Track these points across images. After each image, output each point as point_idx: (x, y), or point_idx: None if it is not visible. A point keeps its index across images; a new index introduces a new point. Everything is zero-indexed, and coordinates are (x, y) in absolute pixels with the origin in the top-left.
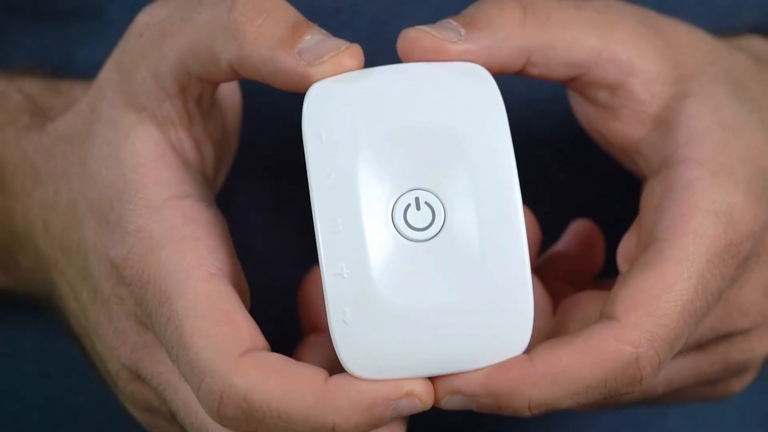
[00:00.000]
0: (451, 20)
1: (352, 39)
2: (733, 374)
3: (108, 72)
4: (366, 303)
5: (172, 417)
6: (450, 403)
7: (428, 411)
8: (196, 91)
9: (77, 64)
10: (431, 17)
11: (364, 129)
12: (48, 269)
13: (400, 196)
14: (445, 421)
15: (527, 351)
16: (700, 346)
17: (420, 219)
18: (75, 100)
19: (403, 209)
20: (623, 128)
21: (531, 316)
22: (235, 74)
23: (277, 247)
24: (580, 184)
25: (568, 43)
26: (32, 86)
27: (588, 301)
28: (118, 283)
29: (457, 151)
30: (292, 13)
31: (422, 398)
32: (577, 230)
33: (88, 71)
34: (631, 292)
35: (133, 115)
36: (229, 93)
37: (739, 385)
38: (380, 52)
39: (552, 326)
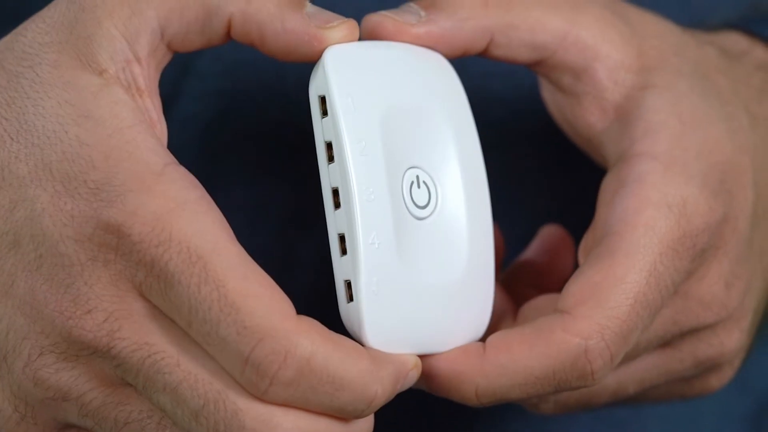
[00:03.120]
0: (412, 3)
1: None
2: (706, 370)
3: (45, 35)
4: (391, 275)
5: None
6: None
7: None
8: (161, 57)
9: None
10: None
11: (379, 101)
12: None
13: (406, 171)
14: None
15: (484, 336)
16: (666, 343)
17: (421, 197)
18: None
19: (409, 185)
20: (587, 116)
21: (491, 299)
22: (226, 35)
23: (256, 249)
24: (554, 186)
25: (532, 24)
26: None
27: (546, 302)
28: (102, 245)
29: (437, 134)
30: None
31: (419, 374)
32: (545, 236)
33: None
34: (582, 286)
35: (93, 77)
36: None
37: (717, 382)
38: None
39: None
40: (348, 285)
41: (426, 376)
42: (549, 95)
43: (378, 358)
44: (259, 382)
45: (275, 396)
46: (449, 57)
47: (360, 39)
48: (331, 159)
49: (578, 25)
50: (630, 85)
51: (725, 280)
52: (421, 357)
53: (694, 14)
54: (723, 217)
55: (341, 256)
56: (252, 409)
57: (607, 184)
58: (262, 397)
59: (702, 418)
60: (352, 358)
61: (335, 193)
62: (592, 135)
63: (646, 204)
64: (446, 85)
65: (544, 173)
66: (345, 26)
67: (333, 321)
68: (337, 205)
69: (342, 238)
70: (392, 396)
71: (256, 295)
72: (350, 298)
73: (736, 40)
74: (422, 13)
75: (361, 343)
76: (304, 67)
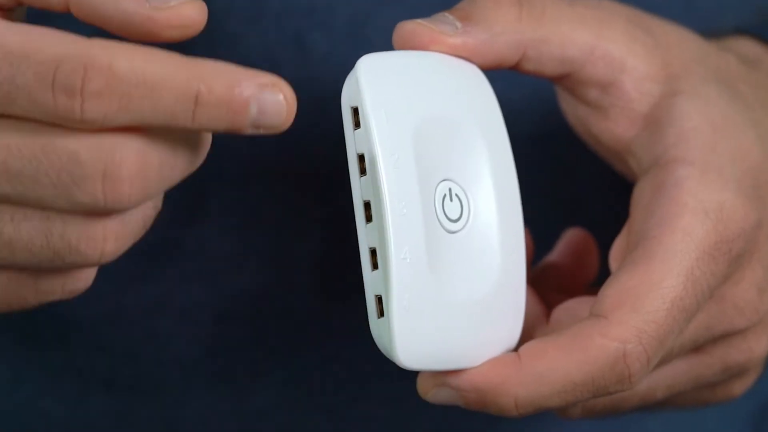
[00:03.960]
0: (446, 14)
1: (327, 39)
2: (732, 376)
3: None
4: (423, 290)
5: None
6: (438, 396)
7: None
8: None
9: None
10: (407, 18)
11: (412, 112)
12: None
13: (438, 184)
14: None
15: (516, 349)
16: (697, 348)
17: (453, 210)
18: None
19: (441, 199)
20: (614, 128)
21: (522, 312)
22: (66, 8)
23: (250, 250)
24: (556, 186)
25: (562, 38)
26: None
27: (579, 305)
28: None
29: (470, 146)
30: None
31: (288, 99)
32: (570, 239)
33: None
34: (619, 290)
35: None
36: None
37: (739, 388)
38: (356, 52)
39: (545, 334)
40: (379, 300)
41: (461, 390)
42: (569, 107)
43: (196, 60)
44: (72, 104)
45: (95, 114)
46: (481, 69)
47: (392, 46)
48: (363, 172)
49: (605, 39)
50: (658, 95)
51: (758, 286)
52: (455, 372)
53: (698, 21)
54: (757, 222)
55: (372, 270)
56: (84, 142)
57: (642, 190)
58: (83, 122)
59: (704, 419)
60: (159, 58)
61: (367, 206)
62: (620, 145)
63: (683, 209)
64: (481, 96)
65: (545, 173)
66: (176, 9)
67: (331, 324)
68: (368, 218)
69: (373, 252)
70: (232, 108)
71: (39, 37)
72: (381, 314)
73: (749, 47)
74: (458, 24)
75: (392, 359)
76: (300, 65)
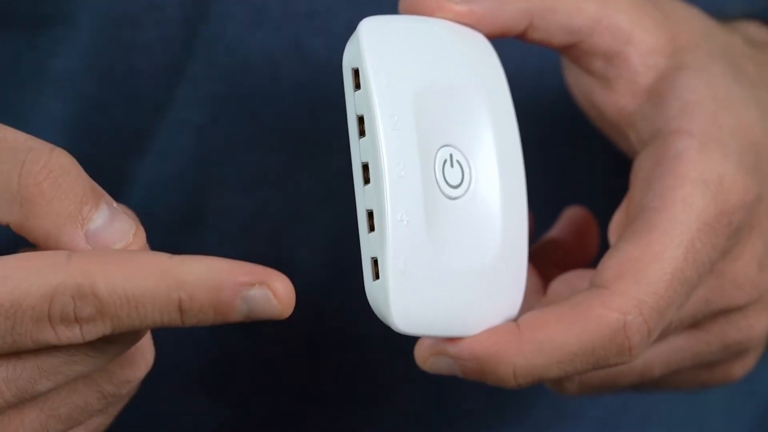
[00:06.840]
0: None
1: (326, 44)
2: (732, 355)
3: None
4: (420, 254)
5: None
6: (435, 365)
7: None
8: None
9: (48, 72)
10: None
11: (414, 76)
12: None
13: (438, 149)
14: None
15: (515, 319)
16: (696, 324)
17: (454, 176)
18: None
19: (442, 164)
20: (617, 99)
21: (524, 283)
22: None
23: (250, 257)
24: (551, 191)
25: (569, 7)
26: None
27: (577, 278)
28: None
29: (473, 113)
30: (82, 183)
31: (279, 295)
32: (570, 217)
33: (58, 79)
34: (619, 261)
35: None
36: None
37: (740, 369)
38: None
39: (542, 306)
40: (374, 262)
41: (459, 359)
42: (573, 79)
43: (183, 262)
44: (73, 332)
45: (95, 335)
46: (488, 38)
47: (398, 12)
48: (362, 133)
49: (612, 9)
50: (663, 68)
51: (758, 261)
52: (453, 340)
53: (706, 7)
54: (758, 196)
55: (369, 232)
56: None
57: (642, 162)
58: (88, 340)
59: (708, 420)
60: (138, 272)
61: (365, 168)
62: (622, 118)
63: (684, 180)
64: (485, 65)
65: (542, 176)
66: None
67: (330, 327)
68: (366, 180)
69: (370, 215)
70: (220, 307)
71: (23, 278)
72: (376, 276)
73: (756, 31)
74: None
75: (387, 322)
76: (300, 71)
